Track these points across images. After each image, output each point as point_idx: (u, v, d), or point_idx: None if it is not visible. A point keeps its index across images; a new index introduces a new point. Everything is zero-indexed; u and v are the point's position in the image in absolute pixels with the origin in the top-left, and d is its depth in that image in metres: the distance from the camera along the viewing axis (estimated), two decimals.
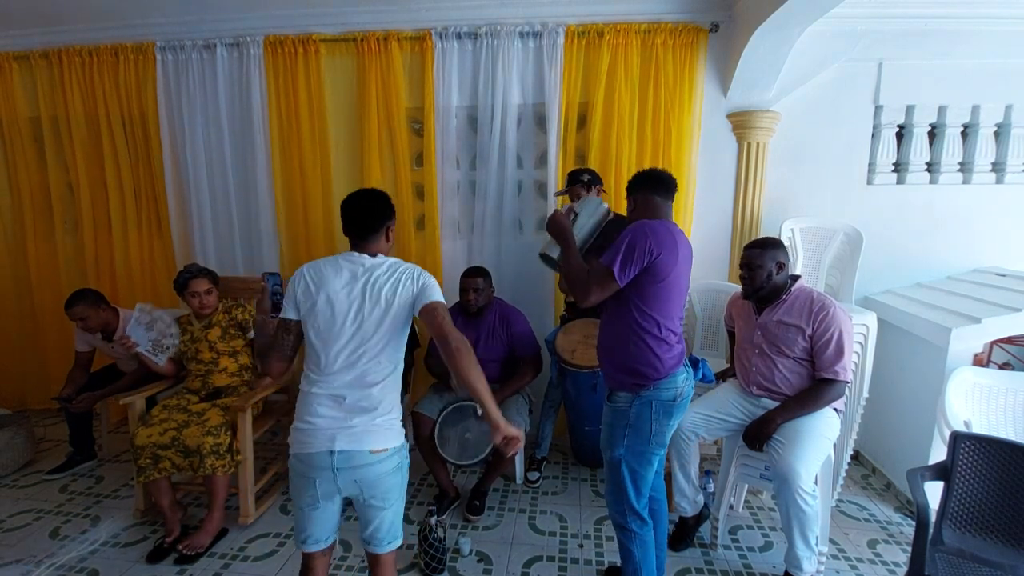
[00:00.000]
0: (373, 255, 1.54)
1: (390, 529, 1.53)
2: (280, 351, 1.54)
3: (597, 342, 1.83)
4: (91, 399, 2.82)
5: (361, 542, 1.56)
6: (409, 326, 1.53)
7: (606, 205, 1.82)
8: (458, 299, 2.69)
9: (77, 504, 2.64)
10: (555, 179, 3.04)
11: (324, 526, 1.52)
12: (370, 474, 1.44)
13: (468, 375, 1.37)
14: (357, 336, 1.45)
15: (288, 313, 1.52)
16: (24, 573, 2.14)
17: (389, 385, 1.49)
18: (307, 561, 1.55)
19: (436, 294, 1.48)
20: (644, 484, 1.71)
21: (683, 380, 1.69)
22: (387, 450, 1.45)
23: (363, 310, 1.46)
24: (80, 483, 2.83)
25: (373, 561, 1.57)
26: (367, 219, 1.54)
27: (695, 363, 1.89)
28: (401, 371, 1.54)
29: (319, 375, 1.47)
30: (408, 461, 1.56)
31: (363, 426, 1.43)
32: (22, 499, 2.68)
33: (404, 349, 1.54)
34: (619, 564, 1.83)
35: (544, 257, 1.82)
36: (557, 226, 1.73)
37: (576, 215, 1.79)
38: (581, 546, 2.31)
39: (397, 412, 1.51)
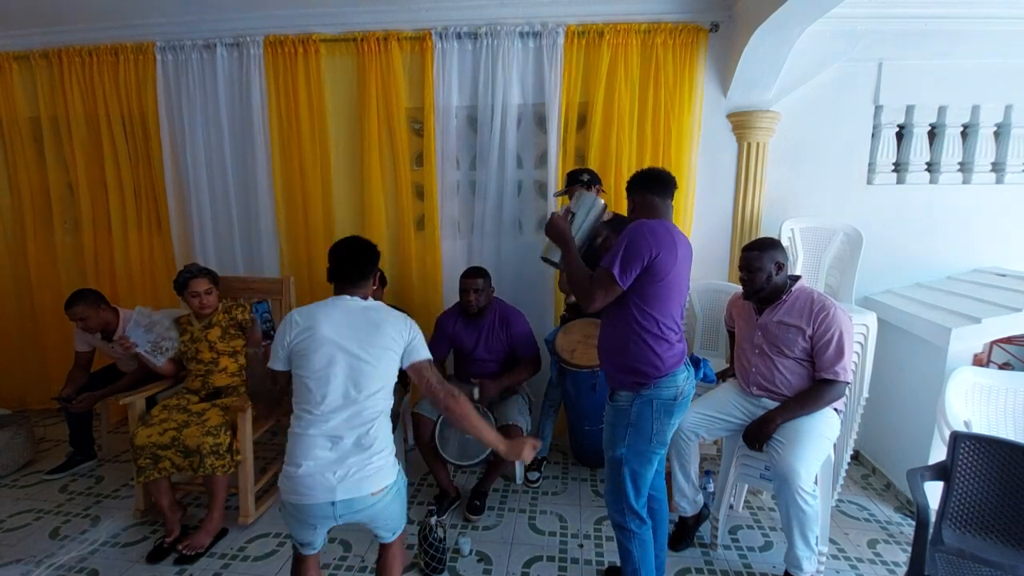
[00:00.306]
0: (364, 298, 1.61)
1: (394, 527, 1.62)
2: (269, 397, 1.64)
3: (598, 342, 1.83)
4: (91, 399, 2.81)
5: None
6: (399, 367, 1.58)
7: (602, 200, 1.81)
8: (458, 300, 2.69)
9: (77, 504, 2.64)
10: (555, 179, 3.04)
11: (321, 538, 1.59)
12: (372, 511, 1.50)
13: (465, 425, 1.57)
14: (352, 374, 1.49)
15: (276, 364, 1.56)
16: (24, 573, 2.14)
17: (384, 423, 1.54)
18: (302, 562, 1.60)
19: (423, 352, 1.58)
20: (644, 484, 1.71)
21: (684, 379, 1.69)
22: (385, 488, 1.50)
23: (357, 349, 1.50)
24: (80, 483, 2.83)
25: (383, 546, 1.67)
26: (358, 264, 1.62)
27: (696, 362, 1.89)
28: (391, 409, 1.59)
29: (314, 415, 1.48)
30: (404, 481, 1.61)
31: (360, 468, 1.45)
32: (22, 499, 2.68)
33: (394, 388, 1.59)
34: (619, 564, 1.83)
35: (547, 260, 1.82)
36: (556, 230, 1.73)
37: (573, 214, 1.78)
38: (581, 546, 2.31)
39: (391, 448, 1.55)
